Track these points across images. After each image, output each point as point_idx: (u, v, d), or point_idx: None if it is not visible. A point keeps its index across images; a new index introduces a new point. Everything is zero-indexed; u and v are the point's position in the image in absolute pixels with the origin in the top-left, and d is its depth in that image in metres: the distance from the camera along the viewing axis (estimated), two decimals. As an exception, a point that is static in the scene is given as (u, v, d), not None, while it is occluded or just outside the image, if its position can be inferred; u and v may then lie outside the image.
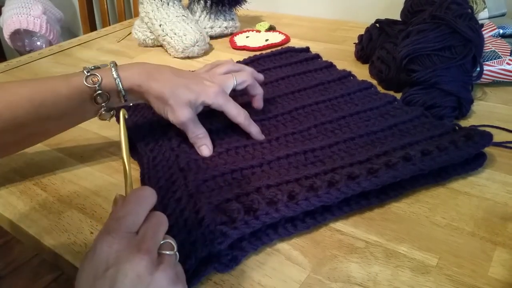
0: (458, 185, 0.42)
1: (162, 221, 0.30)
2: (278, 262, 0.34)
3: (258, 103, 0.50)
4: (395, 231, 0.37)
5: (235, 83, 0.47)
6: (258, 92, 0.50)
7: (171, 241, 0.29)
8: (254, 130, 0.46)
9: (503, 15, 0.67)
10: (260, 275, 0.33)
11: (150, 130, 0.50)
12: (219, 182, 0.40)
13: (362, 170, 0.38)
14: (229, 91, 0.46)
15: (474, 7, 0.66)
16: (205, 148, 0.44)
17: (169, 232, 0.34)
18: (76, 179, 0.46)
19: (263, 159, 0.42)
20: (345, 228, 0.37)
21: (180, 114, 0.43)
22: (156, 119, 0.52)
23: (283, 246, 0.36)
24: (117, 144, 0.52)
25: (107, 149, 0.51)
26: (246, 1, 0.89)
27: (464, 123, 0.51)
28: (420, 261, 0.34)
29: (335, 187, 0.36)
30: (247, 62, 0.67)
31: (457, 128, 0.46)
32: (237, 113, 0.45)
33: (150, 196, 0.30)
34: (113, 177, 0.46)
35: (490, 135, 0.43)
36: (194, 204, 0.36)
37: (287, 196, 0.36)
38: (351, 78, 0.60)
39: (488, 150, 0.44)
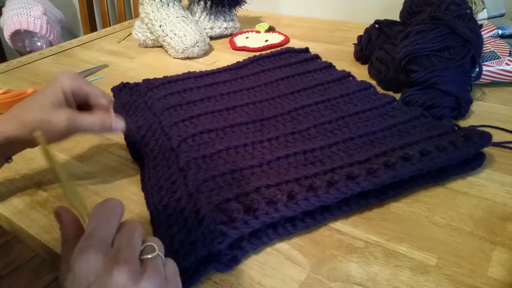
0: (457, 185, 0.42)
1: (135, 226, 0.28)
2: (277, 262, 0.35)
3: None
4: (394, 231, 0.37)
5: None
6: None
7: (152, 243, 0.28)
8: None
9: (502, 15, 0.67)
10: (260, 274, 0.33)
11: (150, 130, 0.50)
12: (219, 182, 0.40)
13: (361, 170, 0.38)
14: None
15: (473, 8, 0.67)
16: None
17: (169, 232, 0.34)
18: (76, 179, 0.46)
19: (262, 159, 0.42)
20: (345, 228, 0.38)
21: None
22: (156, 119, 0.52)
23: (283, 246, 0.36)
24: (117, 144, 0.52)
25: (107, 149, 0.51)
26: (245, 2, 0.89)
27: (463, 123, 0.51)
28: (419, 261, 0.34)
29: (334, 187, 0.36)
30: (247, 62, 0.67)
31: (456, 128, 0.46)
32: None
33: (117, 206, 0.29)
34: (113, 177, 0.46)
35: (489, 135, 0.43)
36: (194, 204, 0.36)
37: (287, 196, 0.36)
38: (350, 78, 0.60)
39: (487, 150, 0.44)
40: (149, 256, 0.27)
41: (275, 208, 0.35)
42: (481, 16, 0.67)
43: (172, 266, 0.28)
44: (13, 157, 0.50)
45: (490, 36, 0.63)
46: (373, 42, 0.68)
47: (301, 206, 0.35)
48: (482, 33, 0.58)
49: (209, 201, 0.36)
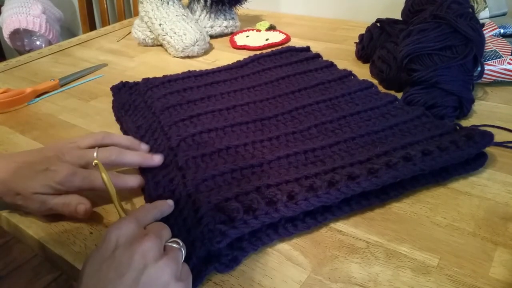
0: (459, 185, 0.42)
1: (165, 226, 0.33)
2: (278, 263, 0.34)
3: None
4: (396, 231, 0.37)
5: (96, 161, 0.38)
6: (130, 162, 0.41)
7: (177, 239, 0.31)
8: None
9: (504, 14, 0.66)
10: (261, 275, 0.33)
11: (149, 130, 0.50)
12: (219, 182, 0.40)
13: (362, 170, 0.38)
14: (83, 162, 0.38)
15: (475, 7, 0.66)
16: (82, 206, 0.38)
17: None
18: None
19: (263, 158, 0.42)
20: (346, 228, 0.37)
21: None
22: (156, 119, 0.52)
23: (284, 247, 0.36)
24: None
25: (107, 149, 0.51)
26: (246, 0, 0.89)
27: (465, 123, 0.51)
28: (421, 261, 0.34)
29: (335, 187, 0.36)
30: (247, 61, 0.67)
31: (458, 128, 0.46)
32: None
33: (164, 204, 0.35)
34: (112, 177, 0.46)
35: (491, 135, 0.43)
36: (193, 203, 0.36)
37: (287, 196, 0.36)
38: (352, 77, 0.60)
39: (489, 150, 0.44)
40: (174, 245, 0.30)
41: (275, 208, 0.35)
42: (483, 15, 0.66)
43: (187, 269, 0.31)
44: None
45: (492, 35, 0.63)
46: (375, 41, 0.67)
47: (301, 206, 0.35)
48: (484, 32, 0.57)
49: (208, 200, 0.36)
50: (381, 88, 0.58)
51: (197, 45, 0.76)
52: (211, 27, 0.87)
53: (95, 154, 0.39)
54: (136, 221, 0.30)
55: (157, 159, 0.42)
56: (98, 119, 0.58)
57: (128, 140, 0.43)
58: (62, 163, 0.37)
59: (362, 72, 0.65)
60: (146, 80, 0.62)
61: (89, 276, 0.27)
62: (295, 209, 0.35)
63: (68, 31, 1.76)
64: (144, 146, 0.44)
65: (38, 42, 1.52)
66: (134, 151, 0.42)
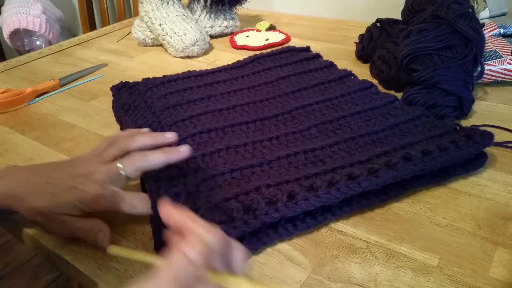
0: (459, 185, 0.42)
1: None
2: (278, 263, 0.34)
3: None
4: (396, 231, 0.37)
5: (123, 173, 0.36)
6: (156, 164, 0.38)
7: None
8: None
9: (504, 14, 0.66)
10: (261, 275, 0.33)
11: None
12: (219, 181, 0.40)
13: (362, 170, 0.38)
14: (113, 178, 0.36)
15: (475, 7, 0.66)
16: (101, 235, 0.36)
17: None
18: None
19: (263, 158, 0.42)
20: (346, 228, 0.37)
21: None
22: (156, 119, 0.52)
23: (284, 247, 0.36)
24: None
25: (107, 149, 0.51)
26: (246, 0, 0.89)
27: (465, 123, 0.51)
28: (421, 261, 0.34)
29: (335, 187, 0.36)
30: (247, 61, 0.67)
31: (458, 128, 0.46)
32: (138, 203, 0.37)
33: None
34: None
35: (491, 135, 0.42)
36: (193, 202, 0.36)
37: (287, 196, 0.35)
38: (352, 77, 0.60)
39: (489, 150, 0.44)
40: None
41: (275, 208, 0.35)
42: (483, 15, 0.66)
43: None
44: (12, 157, 0.50)
45: (492, 35, 0.63)
46: (375, 41, 0.67)
47: (301, 206, 0.35)
48: (484, 32, 0.57)
49: (208, 200, 0.36)
50: (381, 88, 0.58)
51: (197, 45, 0.76)
52: (211, 27, 0.87)
53: (119, 165, 0.36)
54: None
55: (183, 151, 0.39)
56: (98, 119, 0.58)
57: (152, 138, 0.40)
58: (90, 182, 0.35)
59: (362, 72, 0.65)
60: (146, 80, 0.62)
61: None
62: (295, 209, 0.35)
63: (68, 31, 1.76)
64: (169, 135, 0.41)
65: (38, 42, 1.52)
66: (158, 151, 0.39)
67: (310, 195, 0.36)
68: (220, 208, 0.35)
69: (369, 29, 0.70)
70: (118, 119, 0.56)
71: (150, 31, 0.82)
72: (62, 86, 0.69)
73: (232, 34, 0.88)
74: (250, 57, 0.68)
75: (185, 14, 0.80)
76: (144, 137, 0.40)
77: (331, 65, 0.64)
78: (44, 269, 1.16)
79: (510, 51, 0.58)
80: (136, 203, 0.36)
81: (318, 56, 0.68)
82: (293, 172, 0.40)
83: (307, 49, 0.71)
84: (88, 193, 0.34)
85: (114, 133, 0.52)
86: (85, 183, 0.35)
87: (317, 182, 0.37)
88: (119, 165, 0.36)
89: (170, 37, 0.77)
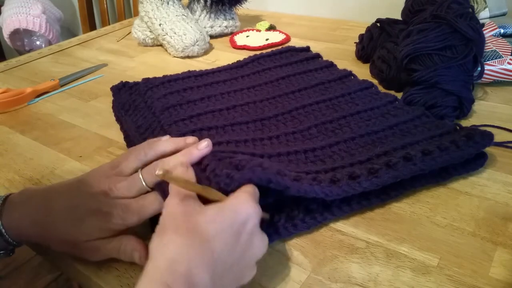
0: (458, 185, 0.42)
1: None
2: (278, 263, 0.34)
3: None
4: (395, 231, 0.37)
5: (143, 184, 0.34)
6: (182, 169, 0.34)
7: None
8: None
9: (504, 14, 0.66)
10: (260, 275, 0.33)
11: (149, 130, 0.50)
12: None
13: (362, 170, 0.38)
14: (134, 192, 0.34)
15: (475, 7, 0.66)
16: (137, 254, 0.33)
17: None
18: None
19: (264, 152, 0.42)
20: (346, 228, 0.37)
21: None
22: (156, 119, 0.52)
23: (284, 246, 0.36)
24: (116, 144, 0.52)
25: (107, 149, 0.51)
26: (246, 0, 0.89)
27: (465, 123, 0.51)
28: (421, 262, 0.34)
29: (336, 185, 0.36)
30: (247, 61, 0.67)
31: (458, 128, 0.46)
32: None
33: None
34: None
35: (491, 135, 0.42)
36: None
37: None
38: (352, 77, 0.60)
39: (489, 150, 0.44)
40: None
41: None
42: (483, 15, 0.66)
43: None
44: (13, 157, 0.50)
45: (492, 35, 0.63)
46: (375, 41, 0.67)
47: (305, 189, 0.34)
48: (484, 32, 0.57)
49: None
50: (381, 88, 0.58)
51: (197, 45, 0.76)
52: (211, 27, 0.87)
53: (140, 176, 0.34)
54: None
55: (203, 147, 0.36)
56: (98, 119, 0.58)
57: (172, 144, 0.37)
58: (112, 201, 0.32)
59: (362, 72, 0.65)
60: (146, 80, 0.62)
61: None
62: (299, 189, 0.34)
63: (68, 31, 1.76)
64: (190, 140, 0.38)
65: (38, 42, 1.52)
66: (177, 154, 0.36)
67: (314, 183, 0.35)
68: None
69: (369, 29, 0.70)
70: (118, 119, 0.56)
71: (150, 31, 0.82)
72: (62, 86, 0.69)
73: (232, 34, 0.88)
74: (250, 57, 0.68)
75: (185, 14, 0.80)
76: (163, 144, 0.37)
77: (331, 65, 0.64)
78: (44, 269, 1.16)
79: (510, 51, 0.58)
80: (158, 206, 0.33)
81: (318, 56, 0.68)
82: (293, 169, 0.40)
83: (307, 49, 0.71)
84: (114, 214, 0.32)
85: (114, 133, 0.52)
86: (108, 203, 0.32)
87: (320, 177, 0.36)
88: (140, 176, 0.34)
89: (170, 37, 0.77)
